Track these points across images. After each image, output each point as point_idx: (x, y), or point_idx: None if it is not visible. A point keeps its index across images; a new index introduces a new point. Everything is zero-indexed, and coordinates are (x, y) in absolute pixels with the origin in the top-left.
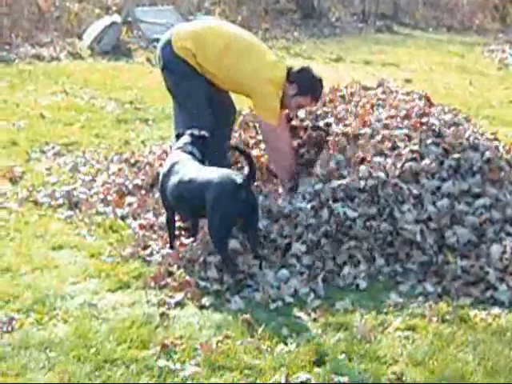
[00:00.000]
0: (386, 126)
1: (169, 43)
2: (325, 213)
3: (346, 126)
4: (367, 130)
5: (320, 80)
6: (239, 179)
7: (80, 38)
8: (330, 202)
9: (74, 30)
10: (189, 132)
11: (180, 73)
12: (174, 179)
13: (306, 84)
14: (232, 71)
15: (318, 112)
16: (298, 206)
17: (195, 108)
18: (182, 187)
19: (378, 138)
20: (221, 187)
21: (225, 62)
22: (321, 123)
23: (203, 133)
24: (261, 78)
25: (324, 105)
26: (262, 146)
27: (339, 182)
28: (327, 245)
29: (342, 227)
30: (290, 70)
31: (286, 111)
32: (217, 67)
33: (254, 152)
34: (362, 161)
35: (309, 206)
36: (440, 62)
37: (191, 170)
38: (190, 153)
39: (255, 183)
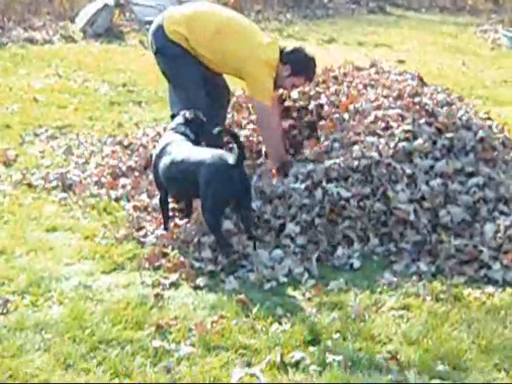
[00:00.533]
0: (378, 107)
1: (161, 27)
2: (318, 193)
3: (337, 107)
4: (359, 110)
5: (313, 59)
6: (231, 159)
7: (73, 21)
8: (324, 183)
9: (66, 13)
10: (182, 113)
11: (173, 56)
12: (166, 160)
13: (299, 64)
14: (225, 54)
15: (311, 93)
16: (291, 186)
17: (190, 90)
18: (174, 168)
19: (371, 118)
20: (213, 167)
21: (218, 46)
22: (313, 104)
23: (197, 114)
24: (254, 60)
25: (317, 85)
26: (253, 126)
27: (332, 161)
28: (321, 225)
29: (335, 207)
30: (282, 50)
31: (280, 92)
32: (210, 51)
33: (247, 132)
34: (355, 141)
35: (302, 186)
36: (433, 43)
37: (183, 150)
38: (183, 133)
39: (247, 163)
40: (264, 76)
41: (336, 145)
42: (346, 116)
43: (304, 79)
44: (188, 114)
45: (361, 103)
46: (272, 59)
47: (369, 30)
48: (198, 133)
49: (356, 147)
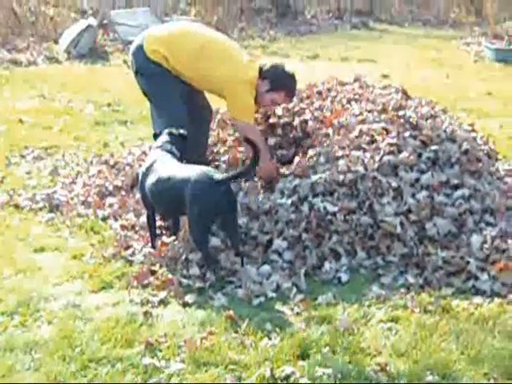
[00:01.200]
0: (363, 121)
1: (141, 48)
2: (305, 208)
3: (322, 122)
4: (344, 125)
5: (292, 75)
6: (217, 176)
7: (56, 42)
8: (310, 198)
9: (50, 35)
10: (167, 131)
11: (154, 75)
12: (152, 178)
13: (277, 80)
14: (206, 74)
15: (296, 109)
16: (277, 202)
17: (171, 108)
18: (160, 185)
19: (356, 132)
20: (199, 184)
21: (198, 66)
22: (297, 120)
23: (181, 131)
24: (235, 79)
25: (301, 101)
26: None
27: (317, 176)
28: (308, 240)
29: (322, 222)
30: (261, 67)
31: (262, 109)
32: (190, 70)
33: (232, 149)
34: (341, 156)
35: (289, 201)
36: (417, 57)
37: (169, 168)
38: (169, 151)
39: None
40: (245, 95)
41: (321, 159)
42: (330, 131)
43: (284, 95)
44: (173, 132)
45: (345, 118)
46: (252, 77)
47: (352, 45)
48: (182, 150)
49: (341, 161)
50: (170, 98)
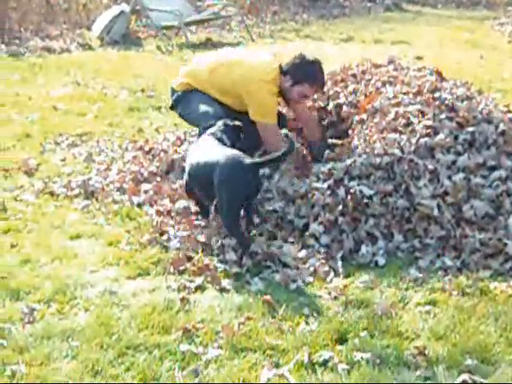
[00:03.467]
0: (398, 104)
1: (172, 90)
2: (341, 191)
3: (356, 107)
4: (379, 108)
5: (312, 64)
6: (246, 160)
7: (89, 28)
8: (346, 181)
9: (82, 21)
10: (222, 121)
11: (184, 97)
12: (188, 161)
13: (297, 72)
14: (225, 84)
15: (330, 93)
16: (313, 185)
17: (210, 107)
18: (194, 169)
19: (391, 115)
20: (226, 169)
21: (217, 78)
22: (331, 104)
23: (237, 123)
24: (252, 81)
25: (335, 84)
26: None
27: (352, 159)
28: (345, 223)
29: (359, 205)
30: (281, 64)
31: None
32: (211, 85)
33: None
34: (377, 139)
35: (325, 185)
36: (450, 38)
37: (203, 151)
38: (219, 139)
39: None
40: (263, 94)
41: (357, 143)
42: (364, 116)
43: (308, 86)
44: (228, 122)
45: (379, 101)
46: (270, 74)
47: (386, 27)
48: (234, 141)
49: (378, 144)
50: (205, 102)
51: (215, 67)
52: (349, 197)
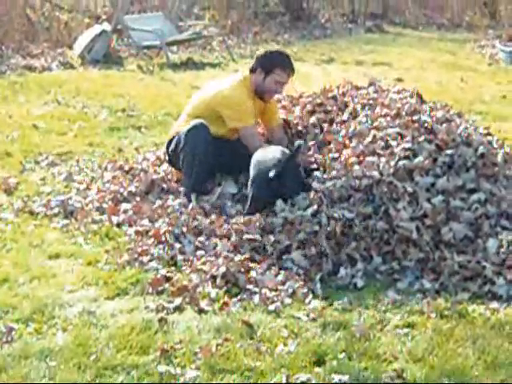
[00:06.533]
0: (377, 127)
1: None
2: (324, 217)
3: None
4: (357, 131)
5: (277, 51)
6: (272, 173)
7: (71, 47)
8: (324, 206)
9: (64, 40)
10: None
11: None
12: None
13: (265, 62)
14: (204, 109)
15: (311, 120)
16: (297, 213)
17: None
18: None
19: (369, 138)
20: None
21: (198, 110)
22: (310, 126)
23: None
24: (223, 91)
25: (316, 106)
26: None
27: (332, 182)
28: (328, 248)
29: (340, 229)
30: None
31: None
32: (192, 114)
33: None
34: (356, 162)
35: (308, 212)
36: (431, 60)
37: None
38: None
39: None
40: (236, 98)
41: (337, 166)
42: (341, 139)
43: (280, 71)
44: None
45: (356, 125)
46: (241, 79)
47: (367, 48)
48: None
49: (357, 167)
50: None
51: (196, 104)
52: (333, 222)
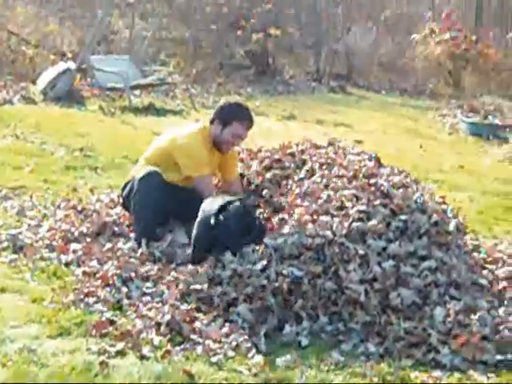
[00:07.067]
0: (332, 187)
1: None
2: (272, 273)
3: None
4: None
5: (237, 102)
6: (212, 220)
7: (34, 82)
8: (274, 262)
9: (28, 75)
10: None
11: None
12: None
13: (224, 114)
14: (157, 149)
15: (267, 175)
16: (247, 267)
17: None
18: None
19: (324, 197)
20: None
21: (154, 157)
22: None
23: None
24: (179, 139)
25: (273, 162)
26: None
27: (283, 238)
28: (272, 303)
29: (288, 286)
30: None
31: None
32: (150, 159)
33: None
34: (309, 221)
35: (258, 266)
36: (392, 125)
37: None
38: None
39: None
40: (192, 147)
41: (290, 223)
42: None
43: (238, 125)
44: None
45: (313, 183)
46: (195, 130)
47: (329, 108)
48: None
49: (310, 225)
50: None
51: (154, 150)
52: (281, 279)
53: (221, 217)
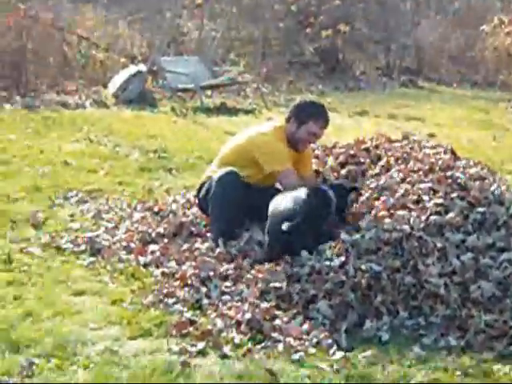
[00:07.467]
0: (409, 181)
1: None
2: (351, 269)
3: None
4: (388, 185)
5: (313, 101)
6: (284, 227)
7: (105, 86)
8: (352, 258)
9: (99, 78)
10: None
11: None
12: None
13: (300, 113)
14: (234, 149)
15: (342, 172)
16: (325, 263)
17: None
18: None
19: (401, 192)
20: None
21: (226, 150)
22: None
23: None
24: (256, 137)
25: (348, 158)
26: None
27: (361, 234)
28: (354, 300)
29: (367, 281)
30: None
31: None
32: (226, 159)
33: None
34: (386, 215)
35: (337, 262)
36: (464, 117)
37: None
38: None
39: None
40: (270, 143)
41: (367, 218)
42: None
43: (313, 123)
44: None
45: (387, 179)
46: (271, 127)
47: (400, 103)
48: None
49: (387, 220)
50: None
51: (231, 149)
52: (360, 274)
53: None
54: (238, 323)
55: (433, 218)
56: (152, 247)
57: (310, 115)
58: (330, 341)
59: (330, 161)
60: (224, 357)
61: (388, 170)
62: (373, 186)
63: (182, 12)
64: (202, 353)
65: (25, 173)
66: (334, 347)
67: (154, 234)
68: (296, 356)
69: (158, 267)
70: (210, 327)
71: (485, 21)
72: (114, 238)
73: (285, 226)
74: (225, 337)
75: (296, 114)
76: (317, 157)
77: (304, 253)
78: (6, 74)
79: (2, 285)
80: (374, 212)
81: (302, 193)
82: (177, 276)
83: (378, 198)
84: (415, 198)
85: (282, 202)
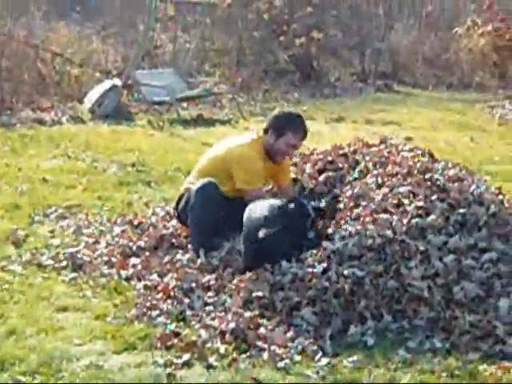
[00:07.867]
0: (388, 185)
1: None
2: (333, 275)
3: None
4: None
5: (291, 113)
6: (261, 234)
7: (81, 101)
8: (334, 264)
9: (74, 94)
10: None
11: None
12: None
13: (278, 124)
14: (211, 160)
15: (320, 179)
16: (307, 270)
17: None
18: None
19: (381, 196)
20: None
21: (204, 162)
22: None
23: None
24: (235, 149)
25: (326, 164)
26: None
27: (345, 241)
28: (337, 306)
29: (350, 287)
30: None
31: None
32: (204, 171)
33: None
34: (368, 221)
35: (320, 269)
36: (441, 120)
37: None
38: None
39: None
40: (246, 159)
41: (350, 223)
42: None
43: (291, 135)
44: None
45: (366, 184)
46: (249, 140)
47: (377, 108)
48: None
49: (371, 226)
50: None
51: (208, 161)
52: (342, 280)
53: (262, 233)
54: (223, 333)
55: (414, 221)
56: (133, 260)
57: (289, 127)
58: (314, 347)
59: (308, 168)
60: (209, 367)
61: (366, 175)
62: (348, 194)
63: (155, 25)
64: (187, 364)
65: (3, 191)
66: (320, 354)
67: (134, 248)
68: (281, 364)
69: (140, 280)
70: (194, 338)
71: (458, 23)
72: (95, 253)
73: (261, 233)
74: (210, 347)
75: (274, 126)
76: (295, 164)
77: (283, 262)
78: None
79: None
80: (354, 217)
81: (277, 201)
82: (159, 288)
83: (357, 206)
84: (395, 202)
85: (257, 210)
